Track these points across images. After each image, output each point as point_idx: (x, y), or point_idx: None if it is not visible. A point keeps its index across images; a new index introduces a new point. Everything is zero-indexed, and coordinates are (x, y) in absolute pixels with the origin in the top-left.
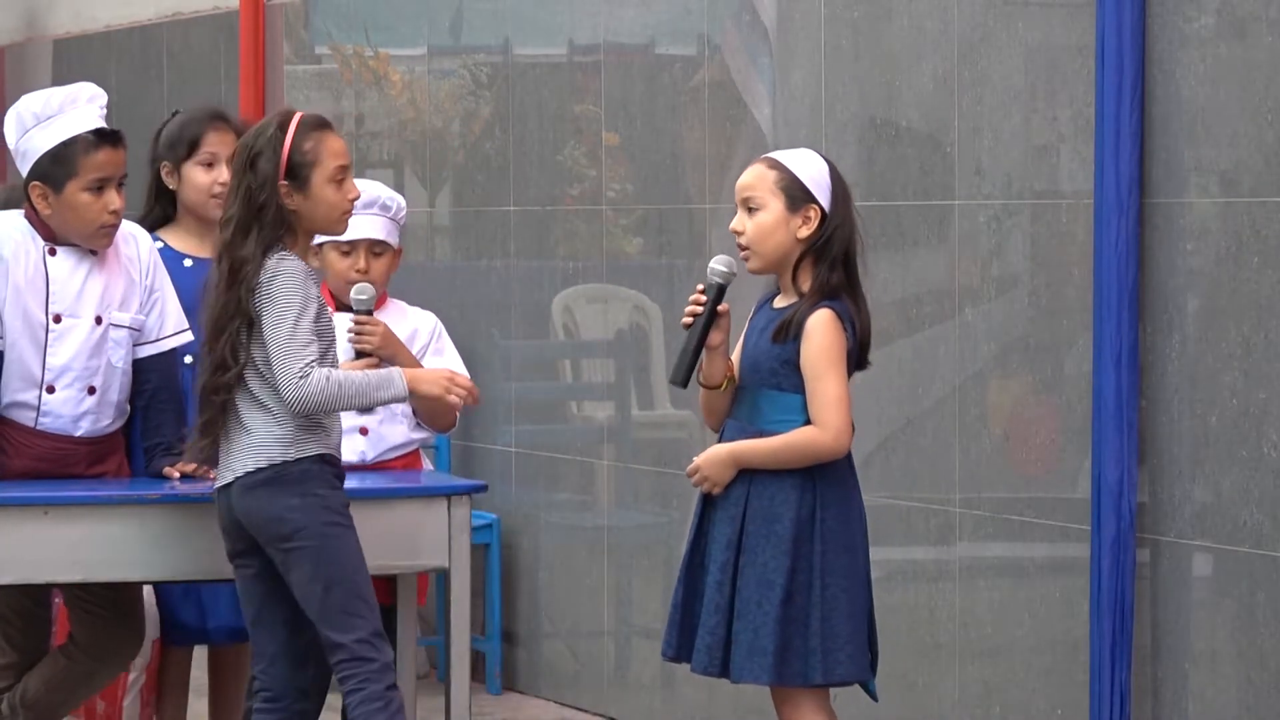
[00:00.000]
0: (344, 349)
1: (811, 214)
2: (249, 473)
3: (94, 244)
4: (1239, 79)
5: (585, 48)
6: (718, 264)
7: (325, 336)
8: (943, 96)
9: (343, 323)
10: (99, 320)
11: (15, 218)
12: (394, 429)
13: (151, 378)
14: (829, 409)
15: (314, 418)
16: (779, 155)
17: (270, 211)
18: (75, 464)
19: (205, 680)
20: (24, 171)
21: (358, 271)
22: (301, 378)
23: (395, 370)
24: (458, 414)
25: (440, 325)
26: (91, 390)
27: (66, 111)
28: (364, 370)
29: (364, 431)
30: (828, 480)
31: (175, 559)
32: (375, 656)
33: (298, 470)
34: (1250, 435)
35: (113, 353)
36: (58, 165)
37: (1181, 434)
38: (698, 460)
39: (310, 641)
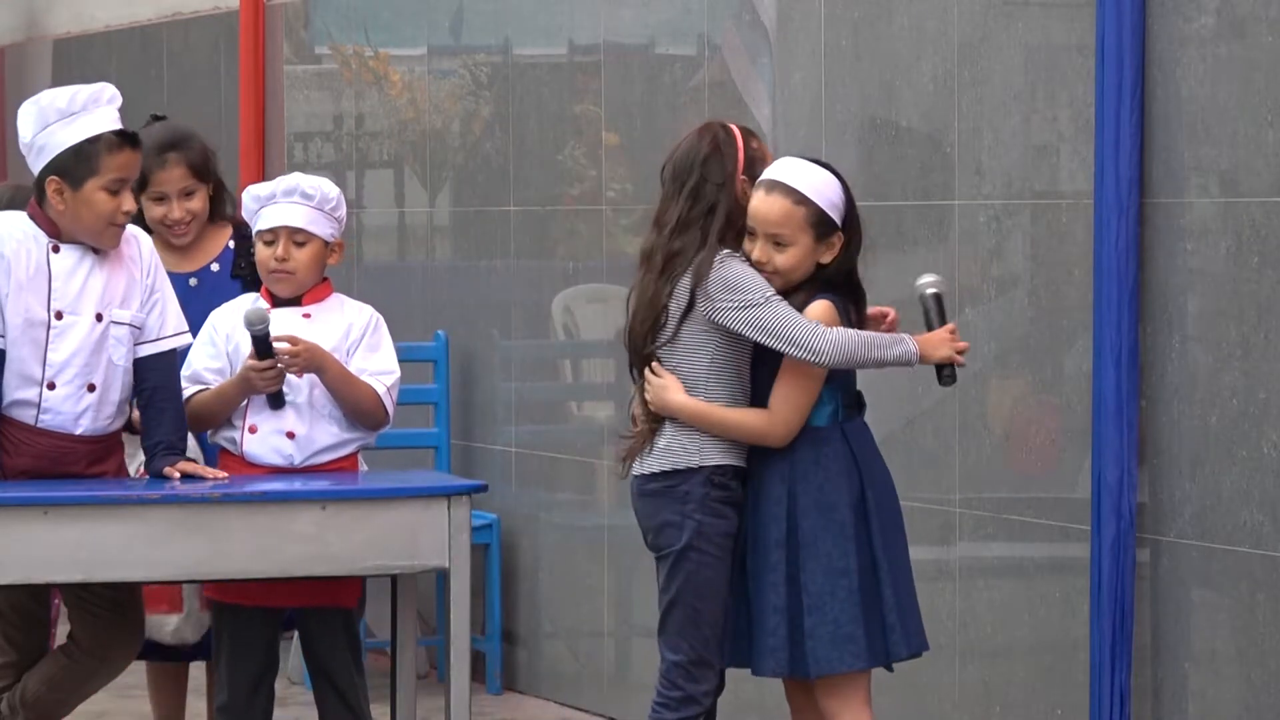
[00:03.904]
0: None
1: (836, 241)
2: (648, 475)
3: (102, 243)
4: (1239, 79)
5: (585, 48)
6: (927, 282)
7: None
8: (943, 96)
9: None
10: (99, 318)
11: (18, 216)
12: (323, 430)
13: (151, 377)
14: (788, 404)
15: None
16: (798, 185)
17: (724, 205)
18: (74, 463)
19: (205, 680)
20: (36, 166)
21: (276, 259)
22: (817, 332)
23: (906, 336)
24: (387, 414)
25: (378, 320)
26: (91, 388)
27: (91, 110)
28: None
29: (290, 435)
30: (868, 457)
31: (175, 559)
32: (683, 686)
33: (684, 489)
34: (1250, 435)
35: (113, 350)
36: (80, 162)
37: (1181, 434)
38: (656, 381)
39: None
